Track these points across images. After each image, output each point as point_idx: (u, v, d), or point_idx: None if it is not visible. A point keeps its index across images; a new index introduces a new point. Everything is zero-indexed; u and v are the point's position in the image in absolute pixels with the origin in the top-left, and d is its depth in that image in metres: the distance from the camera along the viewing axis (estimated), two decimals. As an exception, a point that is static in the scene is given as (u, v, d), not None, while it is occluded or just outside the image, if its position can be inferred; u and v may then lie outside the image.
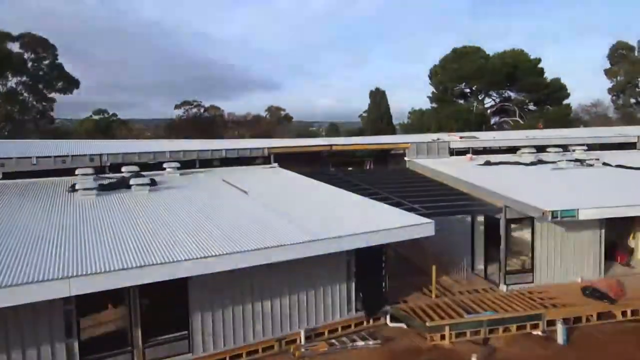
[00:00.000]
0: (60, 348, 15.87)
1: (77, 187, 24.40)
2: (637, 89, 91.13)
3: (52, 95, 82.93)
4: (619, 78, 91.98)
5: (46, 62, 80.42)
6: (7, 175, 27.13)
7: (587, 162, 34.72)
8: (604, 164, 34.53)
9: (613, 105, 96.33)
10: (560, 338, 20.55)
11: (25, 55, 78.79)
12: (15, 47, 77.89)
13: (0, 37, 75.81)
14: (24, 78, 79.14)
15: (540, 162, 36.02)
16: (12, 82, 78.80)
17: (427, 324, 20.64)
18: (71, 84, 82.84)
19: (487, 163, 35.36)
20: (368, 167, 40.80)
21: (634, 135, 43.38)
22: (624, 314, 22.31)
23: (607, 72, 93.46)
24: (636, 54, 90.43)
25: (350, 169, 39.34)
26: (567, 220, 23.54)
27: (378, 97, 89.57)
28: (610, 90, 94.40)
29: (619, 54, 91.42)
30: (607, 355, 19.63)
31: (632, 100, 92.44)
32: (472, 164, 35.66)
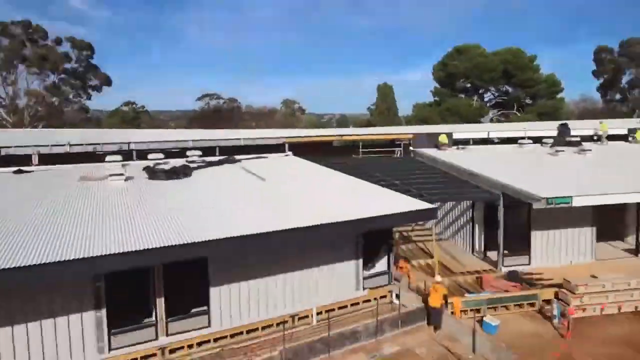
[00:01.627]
0: (89, 320, 15.74)
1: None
2: (620, 86, 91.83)
3: (88, 90, 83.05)
4: (605, 76, 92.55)
5: (84, 63, 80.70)
6: (43, 160, 27.02)
7: (580, 151, 34.36)
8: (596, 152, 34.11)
9: (601, 101, 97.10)
10: (555, 315, 20.41)
11: (65, 55, 79.04)
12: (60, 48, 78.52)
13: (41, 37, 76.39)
14: (62, 75, 79.31)
15: (538, 149, 35.71)
16: (52, 78, 79.02)
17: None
18: (104, 81, 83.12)
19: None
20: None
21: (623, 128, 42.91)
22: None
23: (594, 73, 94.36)
24: (616, 56, 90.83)
25: (359, 157, 39.07)
26: (562, 207, 23.17)
27: (385, 91, 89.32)
28: (598, 88, 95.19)
29: (602, 57, 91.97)
30: (600, 330, 19.69)
31: (617, 96, 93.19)
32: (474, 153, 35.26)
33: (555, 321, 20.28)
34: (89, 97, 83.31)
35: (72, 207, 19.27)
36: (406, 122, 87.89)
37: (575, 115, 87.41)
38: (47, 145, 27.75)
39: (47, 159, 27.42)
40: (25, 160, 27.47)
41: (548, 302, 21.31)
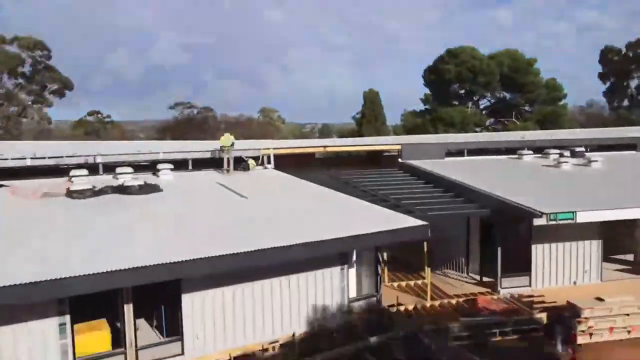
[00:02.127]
0: (54, 348, 15.68)
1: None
2: (629, 91, 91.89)
3: (48, 97, 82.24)
4: (611, 79, 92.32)
5: (41, 66, 79.74)
6: (2, 176, 26.86)
7: (585, 163, 34.49)
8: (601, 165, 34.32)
9: (607, 107, 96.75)
10: (558, 341, 20.53)
11: (22, 57, 78.02)
12: (10, 49, 77.41)
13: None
14: (19, 80, 78.49)
15: (539, 161, 35.89)
16: (8, 84, 78.22)
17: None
18: (66, 85, 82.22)
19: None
20: None
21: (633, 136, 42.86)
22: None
23: (600, 76, 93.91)
24: (624, 58, 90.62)
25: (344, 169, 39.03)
26: (565, 223, 23.35)
27: (372, 98, 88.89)
28: (604, 93, 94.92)
29: (609, 58, 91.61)
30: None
31: (625, 103, 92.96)
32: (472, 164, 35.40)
33: (559, 348, 20.42)
34: (49, 105, 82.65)
35: (31, 224, 19.30)
36: (394, 132, 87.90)
37: (579, 123, 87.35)
38: (6, 159, 27.53)
39: (4, 173, 27.15)
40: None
41: (551, 327, 21.45)
